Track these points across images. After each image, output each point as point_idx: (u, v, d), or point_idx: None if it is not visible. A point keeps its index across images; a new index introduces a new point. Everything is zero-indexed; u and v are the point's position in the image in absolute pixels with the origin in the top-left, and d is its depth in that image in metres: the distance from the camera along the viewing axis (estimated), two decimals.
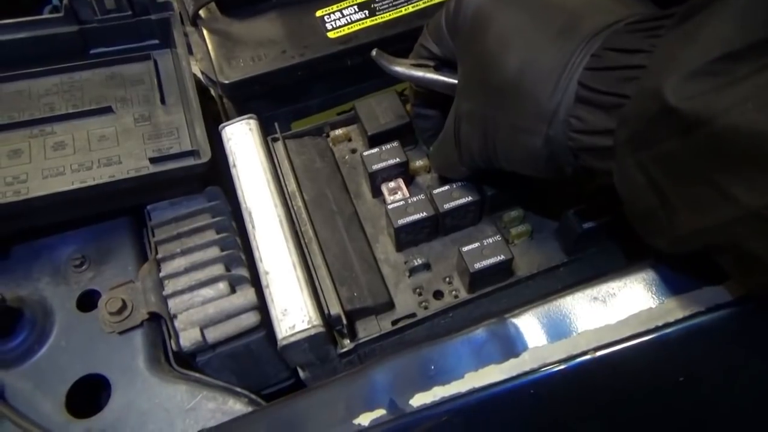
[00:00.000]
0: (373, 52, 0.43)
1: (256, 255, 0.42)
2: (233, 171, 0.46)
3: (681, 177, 0.26)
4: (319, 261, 0.43)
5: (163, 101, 0.61)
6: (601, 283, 0.33)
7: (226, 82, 0.49)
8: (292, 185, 0.47)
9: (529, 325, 0.31)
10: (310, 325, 0.38)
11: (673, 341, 0.31)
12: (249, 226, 0.43)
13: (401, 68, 0.43)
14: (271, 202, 0.44)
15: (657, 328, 0.31)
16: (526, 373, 0.30)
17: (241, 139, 0.47)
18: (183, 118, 0.60)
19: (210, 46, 0.51)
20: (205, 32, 0.52)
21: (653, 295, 0.32)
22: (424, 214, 0.43)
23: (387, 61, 0.43)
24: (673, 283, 0.33)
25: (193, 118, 0.58)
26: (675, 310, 0.31)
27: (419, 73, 0.42)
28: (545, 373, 0.30)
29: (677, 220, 0.27)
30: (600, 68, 0.30)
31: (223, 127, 0.48)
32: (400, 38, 0.52)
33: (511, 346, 0.31)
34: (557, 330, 0.30)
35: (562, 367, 0.30)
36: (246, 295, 0.52)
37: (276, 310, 0.39)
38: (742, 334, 0.33)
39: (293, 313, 0.38)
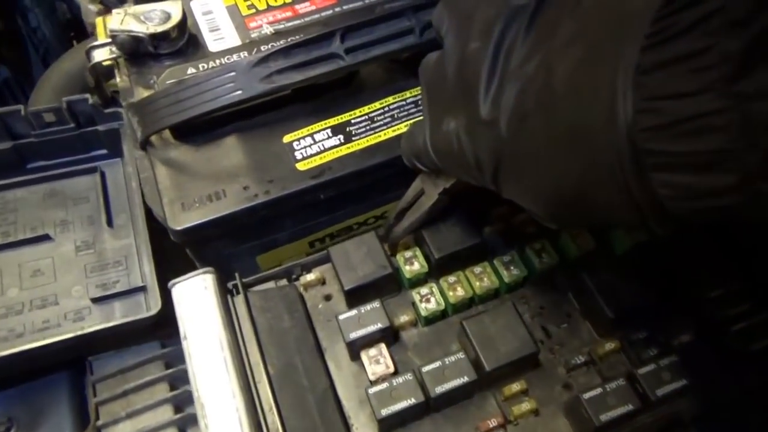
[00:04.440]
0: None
1: None
2: (184, 344, 0.38)
3: None
4: None
5: (110, 223, 0.54)
6: None
7: (178, 228, 0.41)
8: (255, 355, 0.40)
9: None
10: None
11: None
12: (201, 423, 0.36)
13: (404, 228, 0.43)
14: (229, 390, 0.36)
15: None
16: None
17: (195, 302, 0.40)
18: (133, 244, 0.53)
19: (160, 181, 0.44)
20: (155, 162, 0.45)
21: None
22: (413, 401, 0.36)
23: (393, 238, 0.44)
24: None
25: (141, 250, 0.51)
26: None
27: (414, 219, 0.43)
28: None
29: None
30: (664, 125, 0.23)
31: (173, 284, 0.40)
32: (380, 168, 0.45)
33: None
34: None
35: None
36: None
37: None
38: None
39: None
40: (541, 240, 0.44)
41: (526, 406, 0.39)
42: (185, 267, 0.56)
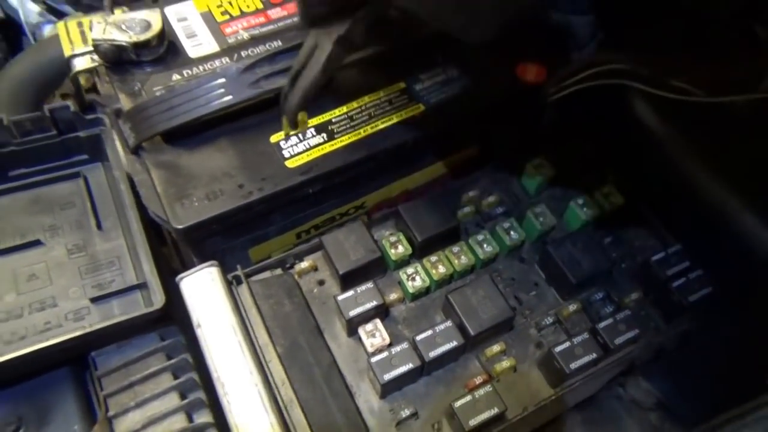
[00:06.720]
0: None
1: None
2: (198, 332, 0.42)
3: None
4: (303, 429, 0.40)
5: (99, 226, 0.56)
6: None
7: (181, 227, 0.45)
8: (263, 337, 0.44)
9: None
10: None
11: None
12: (224, 401, 0.39)
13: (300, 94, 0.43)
14: (246, 369, 0.40)
15: None
16: None
17: (204, 294, 0.43)
18: (124, 245, 0.55)
19: (157, 184, 0.47)
20: (149, 166, 0.48)
21: None
22: (411, 365, 0.42)
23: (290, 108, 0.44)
24: None
25: (137, 247, 0.53)
26: None
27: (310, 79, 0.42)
28: None
29: None
30: None
31: (181, 278, 0.44)
32: (362, 162, 0.50)
33: None
34: None
35: None
36: None
37: None
38: None
39: None
40: (509, 219, 0.49)
41: (505, 363, 0.44)
42: (170, 265, 0.59)
